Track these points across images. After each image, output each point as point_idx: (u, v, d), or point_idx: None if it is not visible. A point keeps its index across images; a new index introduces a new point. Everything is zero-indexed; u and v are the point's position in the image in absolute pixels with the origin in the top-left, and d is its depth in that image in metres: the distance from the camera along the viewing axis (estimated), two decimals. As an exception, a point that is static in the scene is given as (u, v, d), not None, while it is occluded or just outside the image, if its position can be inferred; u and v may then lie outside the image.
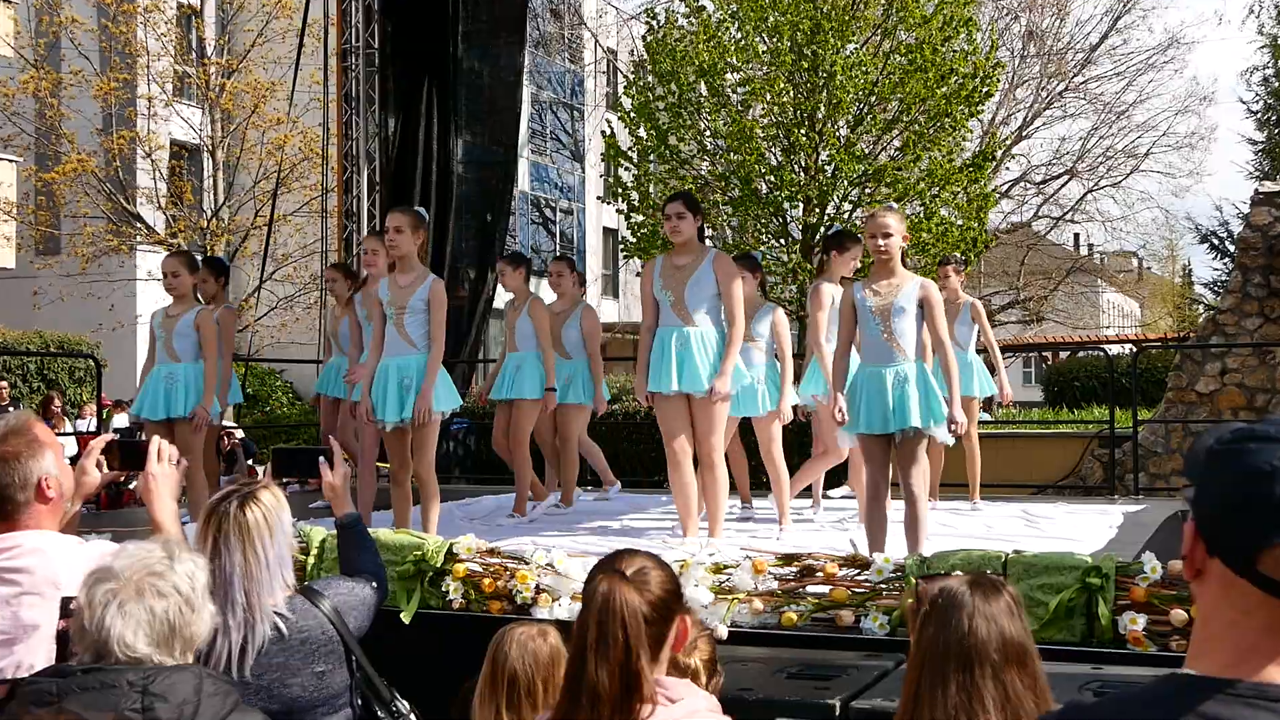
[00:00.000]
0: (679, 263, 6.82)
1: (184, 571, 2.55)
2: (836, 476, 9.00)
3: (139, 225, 25.18)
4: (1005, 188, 29.35)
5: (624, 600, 2.50)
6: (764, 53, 19.61)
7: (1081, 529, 7.45)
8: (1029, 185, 31.09)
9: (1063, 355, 20.79)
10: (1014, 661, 2.45)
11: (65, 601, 2.86)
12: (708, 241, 6.88)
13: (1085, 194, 31.61)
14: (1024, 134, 29.67)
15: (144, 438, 5.25)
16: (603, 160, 22.98)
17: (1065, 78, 29.93)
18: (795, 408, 8.06)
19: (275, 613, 3.26)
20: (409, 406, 6.75)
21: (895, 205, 6.78)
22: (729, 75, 20.06)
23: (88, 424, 16.29)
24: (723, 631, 4.87)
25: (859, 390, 6.12)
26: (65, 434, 14.08)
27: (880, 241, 6.09)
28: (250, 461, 14.51)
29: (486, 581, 5.31)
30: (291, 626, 3.27)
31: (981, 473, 8.79)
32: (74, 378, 19.74)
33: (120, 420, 15.83)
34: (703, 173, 20.66)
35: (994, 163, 23.02)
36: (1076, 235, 41.75)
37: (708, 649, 3.43)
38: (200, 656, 3.11)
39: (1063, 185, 31.26)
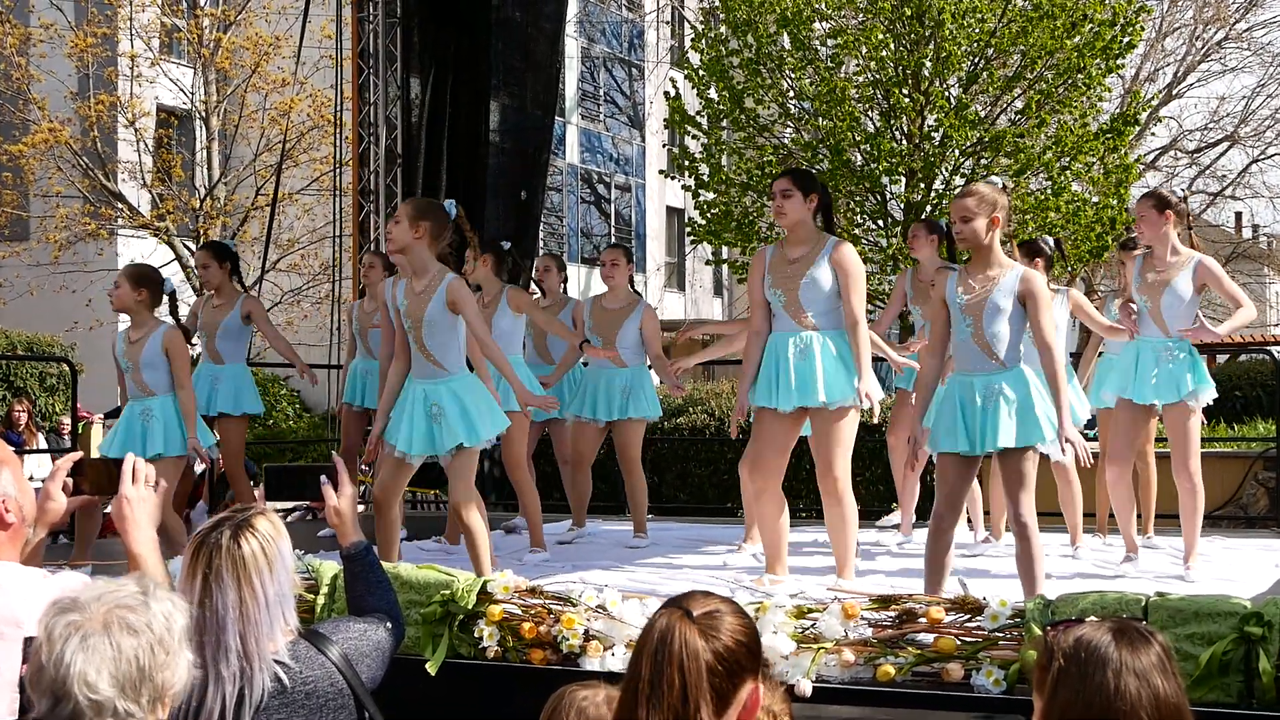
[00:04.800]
0: (792, 255, 6.82)
1: (160, 610, 2.58)
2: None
3: (120, 206, 25.51)
4: (1151, 157, 29.08)
5: (684, 641, 2.51)
6: (859, -3, 19.56)
7: (1240, 568, 7.38)
8: (1180, 154, 30.81)
9: (1221, 359, 20.55)
10: (1168, 728, 2.43)
11: (29, 642, 2.90)
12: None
13: (1249, 164, 31.27)
14: (1174, 93, 29.40)
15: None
16: (666, 127, 23.01)
17: (1225, 24, 29.63)
18: None
19: (275, 661, 3.29)
20: (439, 441, 6.77)
21: (996, 180, 6.71)
22: (817, 25, 20.01)
23: (64, 440, 16.52)
24: (806, 687, 4.86)
25: (945, 402, 6.16)
26: (35, 451, 14.29)
27: (960, 228, 6.09)
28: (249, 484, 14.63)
29: (527, 626, 5.35)
30: (295, 677, 3.29)
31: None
32: (45, 385, 20.01)
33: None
34: (785, 141, 20.62)
35: (1137, 128, 22.79)
36: (1238, 214, 41.30)
37: (783, 705, 3.43)
38: (186, 712, 3.14)
39: (1222, 154, 30.97)
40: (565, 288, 9.73)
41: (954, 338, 6.16)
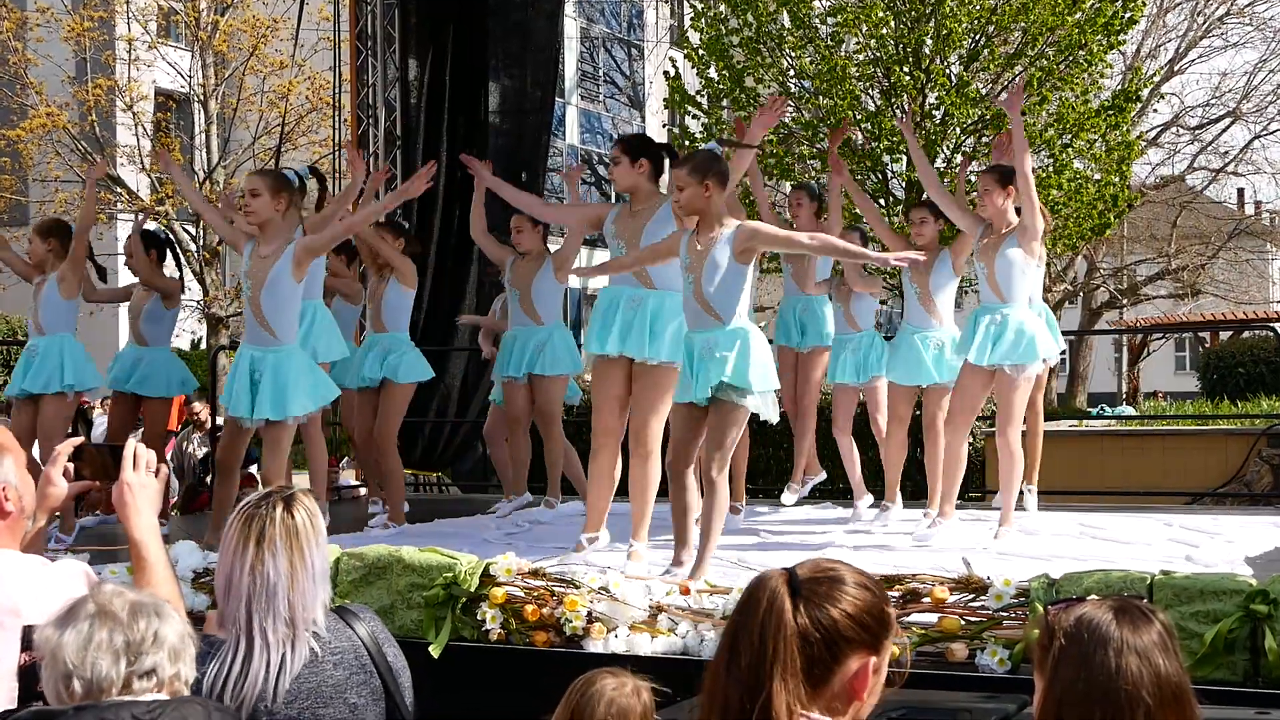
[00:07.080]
0: (635, 208, 6.92)
1: (173, 616, 2.66)
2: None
3: (119, 190, 25.50)
4: (1153, 134, 29.03)
5: (770, 601, 2.40)
6: (858, -25, 19.52)
7: (1245, 546, 7.35)
8: (1182, 131, 30.74)
9: (1223, 336, 20.56)
10: (1170, 707, 2.41)
11: (28, 631, 2.90)
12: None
13: (1251, 140, 31.20)
14: (1176, 69, 29.31)
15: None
16: (666, 107, 22.96)
17: (1226, -1, 29.54)
18: None
19: (313, 631, 3.33)
20: (261, 404, 6.96)
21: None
22: (816, 3, 19.98)
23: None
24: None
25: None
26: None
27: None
28: (253, 469, 14.61)
29: (530, 608, 5.34)
30: (325, 646, 3.35)
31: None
32: (45, 371, 19.97)
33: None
34: (786, 120, 20.59)
35: (1139, 104, 22.76)
36: (1240, 191, 41.17)
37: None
38: (227, 676, 3.18)
39: (1223, 130, 30.88)
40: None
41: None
